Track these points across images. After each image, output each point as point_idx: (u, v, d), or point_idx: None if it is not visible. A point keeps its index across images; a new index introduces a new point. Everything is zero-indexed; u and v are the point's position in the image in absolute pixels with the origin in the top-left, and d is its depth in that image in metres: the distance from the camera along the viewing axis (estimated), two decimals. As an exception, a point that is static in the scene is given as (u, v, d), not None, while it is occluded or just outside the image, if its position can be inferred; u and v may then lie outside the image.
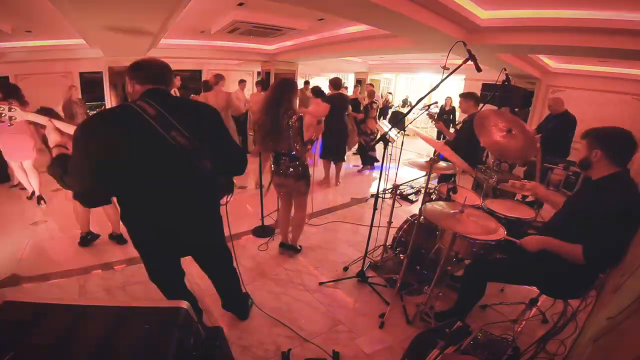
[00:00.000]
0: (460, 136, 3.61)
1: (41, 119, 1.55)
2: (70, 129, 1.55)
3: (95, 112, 2.16)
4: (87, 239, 2.98)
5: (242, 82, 7.00)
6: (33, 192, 4.05)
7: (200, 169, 1.45)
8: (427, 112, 4.03)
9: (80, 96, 4.43)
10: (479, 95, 3.88)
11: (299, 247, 3.02)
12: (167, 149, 1.35)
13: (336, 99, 4.60)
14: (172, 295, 1.80)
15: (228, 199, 1.70)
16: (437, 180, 3.89)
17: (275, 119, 2.41)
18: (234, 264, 1.99)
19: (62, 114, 3.29)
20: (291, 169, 2.55)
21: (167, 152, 1.36)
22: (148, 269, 1.73)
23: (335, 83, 4.78)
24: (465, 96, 3.59)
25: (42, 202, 3.92)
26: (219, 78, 4.64)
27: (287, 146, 2.48)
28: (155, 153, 1.36)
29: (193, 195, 1.53)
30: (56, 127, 1.52)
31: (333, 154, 4.97)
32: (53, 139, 1.50)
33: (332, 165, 5.09)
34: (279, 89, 2.44)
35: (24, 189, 4.15)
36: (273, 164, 2.66)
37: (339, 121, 4.72)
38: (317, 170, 5.53)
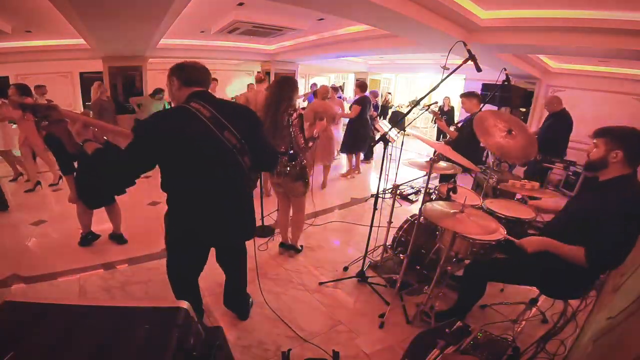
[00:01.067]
0: (461, 135, 3.62)
1: (76, 116, 1.58)
2: (98, 125, 1.61)
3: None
4: (88, 239, 2.98)
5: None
6: (35, 186, 4.27)
7: (243, 166, 1.53)
8: (430, 110, 4.02)
9: (109, 94, 4.50)
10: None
11: (299, 247, 3.02)
12: (220, 149, 1.43)
13: (365, 101, 5.14)
14: (182, 292, 1.81)
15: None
16: (438, 179, 3.90)
17: (274, 116, 2.41)
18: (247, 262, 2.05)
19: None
20: (288, 169, 2.53)
21: (221, 151, 1.44)
22: (173, 264, 1.75)
23: (363, 85, 5.20)
24: (467, 95, 3.59)
25: (38, 186, 4.33)
26: (261, 78, 4.73)
27: (285, 145, 2.47)
28: (211, 152, 1.44)
29: (237, 190, 1.61)
30: (85, 123, 1.54)
31: (351, 147, 5.35)
32: (83, 135, 1.50)
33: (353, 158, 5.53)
34: (279, 87, 2.45)
35: (30, 190, 4.26)
36: None
37: (361, 120, 5.18)
38: (337, 162, 5.93)
